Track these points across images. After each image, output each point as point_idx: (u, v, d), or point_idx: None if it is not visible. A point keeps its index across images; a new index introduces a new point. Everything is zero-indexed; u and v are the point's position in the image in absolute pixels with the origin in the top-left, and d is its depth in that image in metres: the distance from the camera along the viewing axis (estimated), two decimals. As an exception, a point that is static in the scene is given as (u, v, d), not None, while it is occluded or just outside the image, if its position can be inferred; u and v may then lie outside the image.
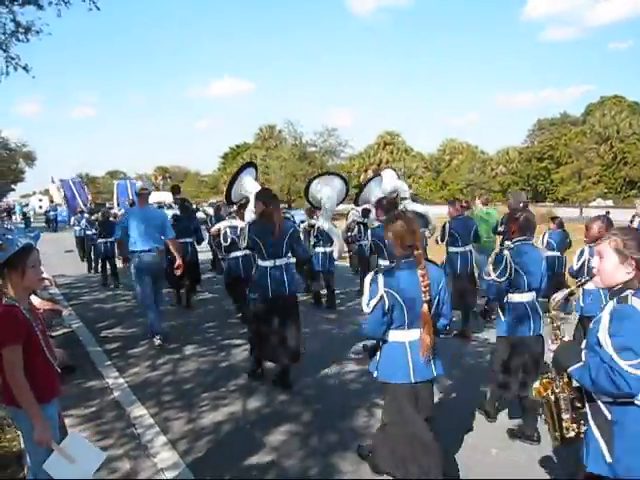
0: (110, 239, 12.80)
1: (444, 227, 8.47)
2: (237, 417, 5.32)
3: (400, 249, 3.69)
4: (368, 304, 3.66)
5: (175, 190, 11.15)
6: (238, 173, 6.94)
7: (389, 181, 8.50)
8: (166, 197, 31.96)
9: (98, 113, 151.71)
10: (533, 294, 4.80)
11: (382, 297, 3.61)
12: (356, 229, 10.95)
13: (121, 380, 6.36)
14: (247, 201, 6.99)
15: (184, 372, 6.64)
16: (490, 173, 69.28)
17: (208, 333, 8.49)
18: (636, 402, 2.54)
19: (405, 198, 8.07)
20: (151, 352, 7.48)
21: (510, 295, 4.77)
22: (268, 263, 5.82)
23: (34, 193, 39.62)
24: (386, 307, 3.61)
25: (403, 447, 3.73)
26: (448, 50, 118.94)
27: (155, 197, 29.32)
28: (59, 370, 3.18)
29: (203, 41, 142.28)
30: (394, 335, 3.73)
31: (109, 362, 7.08)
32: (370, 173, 74.03)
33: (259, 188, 6.39)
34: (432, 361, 3.73)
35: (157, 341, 7.75)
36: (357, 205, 9.81)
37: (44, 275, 10.61)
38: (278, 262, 5.84)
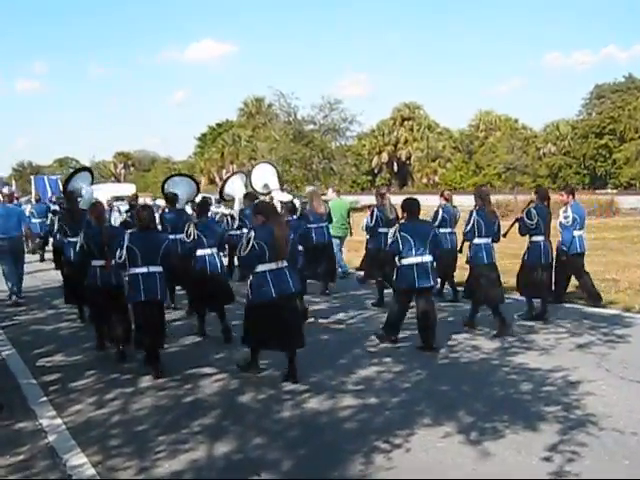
0: None
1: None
2: (200, 465, 5.35)
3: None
4: (244, 250, 7.40)
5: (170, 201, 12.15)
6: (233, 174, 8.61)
7: (259, 178, 12.41)
8: (127, 189, 32.03)
9: (47, 87, 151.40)
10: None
11: (254, 245, 7.30)
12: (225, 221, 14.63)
13: (58, 421, 6.39)
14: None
15: (137, 410, 6.66)
16: (535, 153, 69.12)
17: (170, 360, 8.46)
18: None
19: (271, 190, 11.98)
20: (98, 385, 7.52)
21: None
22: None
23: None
24: (257, 251, 7.31)
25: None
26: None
27: (113, 190, 29.37)
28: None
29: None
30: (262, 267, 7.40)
31: (45, 398, 7.10)
32: (385, 156, 74.34)
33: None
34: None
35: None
36: (222, 199, 14.01)
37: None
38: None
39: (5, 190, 15.40)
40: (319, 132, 46.55)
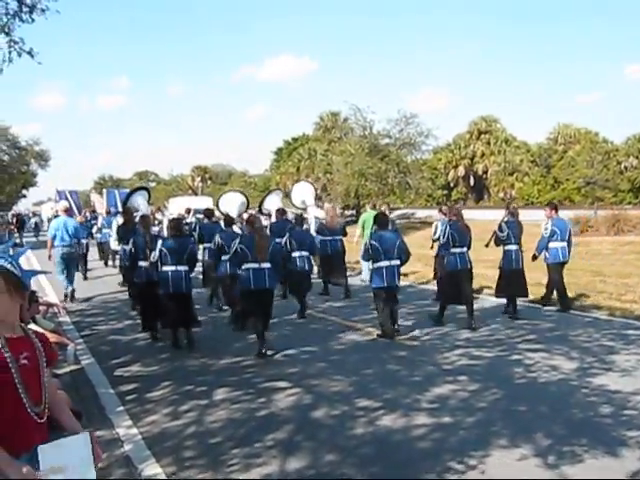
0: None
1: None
2: (273, 481, 5.34)
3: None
4: (231, 252, 9.94)
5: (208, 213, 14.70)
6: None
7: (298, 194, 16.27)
8: (205, 202, 32.55)
9: (128, 103, 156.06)
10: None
11: (237, 249, 9.73)
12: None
13: (134, 430, 6.49)
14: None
15: (212, 422, 6.71)
16: (616, 167, 67.20)
17: (245, 373, 8.57)
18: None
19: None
20: (173, 397, 7.61)
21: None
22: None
23: (49, 200, 40.96)
24: (240, 253, 9.66)
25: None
26: (559, 10, 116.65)
27: (192, 203, 29.91)
28: (40, 419, 3.23)
29: (255, 13, 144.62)
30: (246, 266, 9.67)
31: (122, 408, 7.24)
32: (461, 170, 73.59)
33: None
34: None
35: None
36: (261, 212, 16.87)
37: (51, 300, 11.00)
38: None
39: (60, 205, 17.07)
40: (395, 146, 46.14)
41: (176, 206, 25.06)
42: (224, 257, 11.55)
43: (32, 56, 11.96)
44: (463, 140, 74.80)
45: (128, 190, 21.05)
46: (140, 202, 14.55)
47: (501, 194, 71.19)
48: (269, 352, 9.65)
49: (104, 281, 18.73)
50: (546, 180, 70.99)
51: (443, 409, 6.93)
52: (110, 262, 22.73)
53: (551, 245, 12.82)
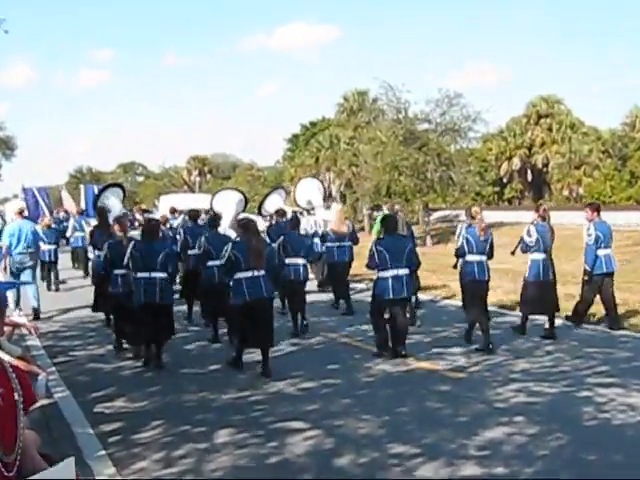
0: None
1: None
2: None
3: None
4: (222, 259, 10.74)
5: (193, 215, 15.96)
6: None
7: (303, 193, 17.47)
8: (203, 201, 32.09)
9: (112, 80, 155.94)
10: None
11: (229, 256, 10.44)
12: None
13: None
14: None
15: (212, 471, 6.73)
16: None
17: (252, 411, 8.60)
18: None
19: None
20: (166, 439, 7.63)
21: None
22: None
23: (14, 197, 40.80)
24: (233, 261, 10.41)
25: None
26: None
27: (187, 202, 29.80)
28: (8, 472, 3.23)
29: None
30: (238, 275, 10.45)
31: (103, 452, 7.26)
32: (516, 162, 73.32)
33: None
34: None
35: None
36: (260, 214, 18.44)
37: (18, 319, 11.11)
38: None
39: (14, 205, 18.81)
40: (435, 133, 45.78)
41: (168, 205, 25.07)
42: (210, 263, 12.56)
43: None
44: (519, 125, 74.48)
45: (99, 187, 21.73)
46: (113, 202, 15.80)
47: (565, 192, 70.83)
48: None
49: (80, 294, 18.81)
50: (621, 175, 70.43)
51: (495, 457, 6.90)
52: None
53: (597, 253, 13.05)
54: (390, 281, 11.05)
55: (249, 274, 10.40)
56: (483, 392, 9.20)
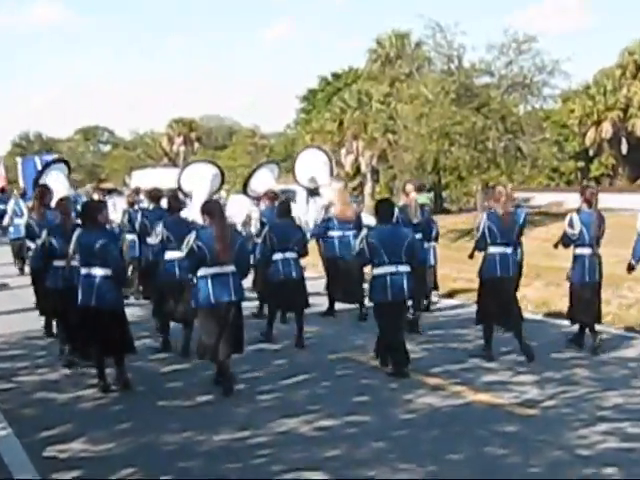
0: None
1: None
2: None
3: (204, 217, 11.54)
4: (184, 251, 11.34)
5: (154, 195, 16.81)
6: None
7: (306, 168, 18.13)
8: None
9: (70, 16, 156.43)
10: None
11: (192, 248, 11.08)
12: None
13: None
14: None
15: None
16: None
17: (253, 457, 8.58)
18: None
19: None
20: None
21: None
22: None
23: None
24: (197, 253, 11.05)
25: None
26: None
27: (169, 178, 29.62)
28: None
29: None
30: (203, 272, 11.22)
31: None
32: (607, 128, 72.92)
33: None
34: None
35: None
36: (246, 194, 18.81)
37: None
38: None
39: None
40: (498, 89, 45.75)
41: (143, 182, 24.91)
42: (170, 254, 13.52)
43: None
44: (611, 80, 74.12)
45: (53, 156, 22.43)
46: (56, 180, 17.52)
47: (673, 169, 70.45)
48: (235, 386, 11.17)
49: (27, 301, 18.76)
50: None
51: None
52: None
53: None
54: (388, 280, 12.09)
55: (216, 270, 11.14)
56: (561, 434, 9.17)
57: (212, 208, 11.59)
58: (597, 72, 75.35)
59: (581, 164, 72.34)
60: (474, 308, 13.71)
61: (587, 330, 13.43)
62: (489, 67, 45.75)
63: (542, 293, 17.87)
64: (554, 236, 15.12)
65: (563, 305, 14.93)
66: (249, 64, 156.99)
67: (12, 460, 8.54)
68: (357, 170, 63.38)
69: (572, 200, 40.16)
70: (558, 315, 15.83)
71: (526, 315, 15.00)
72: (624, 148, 73.30)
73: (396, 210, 13.90)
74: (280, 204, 15.60)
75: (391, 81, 61.90)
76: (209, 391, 11.22)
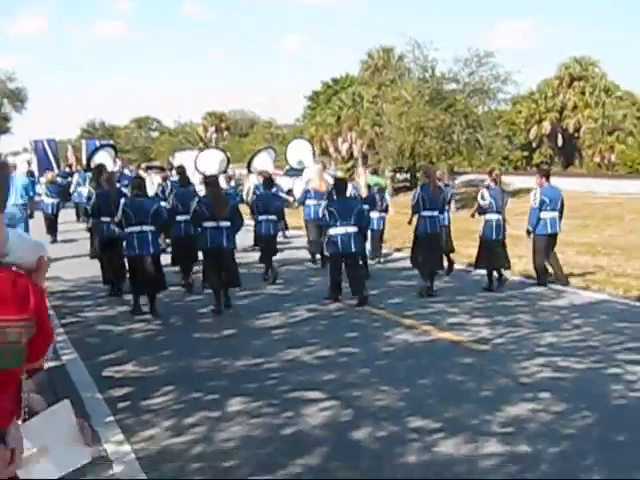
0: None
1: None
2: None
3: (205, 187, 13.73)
4: (191, 210, 12.75)
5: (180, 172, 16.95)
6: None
7: (294, 153, 20.25)
8: (217, 157, 31.51)
9: (129, 30, 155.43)
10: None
11: (195, 208, 12.50)
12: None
13: (127, 447, 6.50)
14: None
15: (224, 440, 6.70)
16: None
17: (267, 379, 8.57)
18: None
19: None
20: (177, 406, 7.61)
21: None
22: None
23: (24, 150, 40.82)
24: (199, 211, 12.45)
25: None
26: None
27: (202, 158, 29.58)
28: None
29: None
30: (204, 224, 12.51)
31: (112, 418, 7.26)
32: (546, 126, 72.67)
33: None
34: None
35: None
36: (249, 172, 21.24)
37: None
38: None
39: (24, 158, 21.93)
40: (463, 93, 45.37)
41: (184, 162, 25.08)
42: (179, 217, 14.57)
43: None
44: (550, 88, 73.72)
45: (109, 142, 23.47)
46: (103, 158, 19.15)
47: (597, 159, 70.27)
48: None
49: (85, 248, 18.82)
50: (658, 142, 69.82)
51: (519, 434, 6.82)
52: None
53: (540, 215, 14.69)
54: (339, 237, 13.08)
55: (213, 224, 12.33)
56: (508, 366, 9.11)
57: (211, 181, 13.23)
58: (540, 81, 75.07)
59: (526, 153, 72.18)
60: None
61: (495, 274, 14.40)
62: (455, 76, 45.68)
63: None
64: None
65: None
66: (269, 69, 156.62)
67: (78, 378, 8.56)
68: (351, 155, 63.03)
69: (518, 181, 40.36)
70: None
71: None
72: (559, 142, 73.23)
73: (350, 186, 15.75)
74: (264, 180, 17.38)
75: (379, 86, 61.47)
76: (232, 326, 11.23)
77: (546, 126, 72.43)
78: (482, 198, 14.64)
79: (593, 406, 7.62)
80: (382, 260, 18.78)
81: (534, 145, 73.88)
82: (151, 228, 12.28)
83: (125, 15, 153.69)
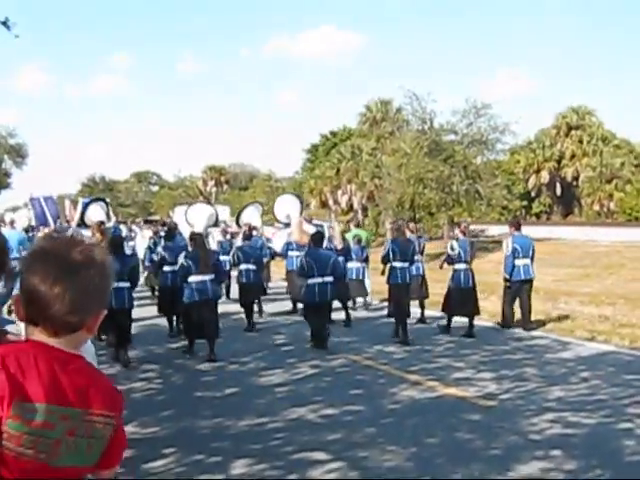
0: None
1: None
2: None
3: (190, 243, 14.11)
4: (178, 265, 13.63)
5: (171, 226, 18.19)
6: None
7: (282, 208, 20.99)
8: (221, 213, 32.13)
9: (127, 85, 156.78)
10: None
11: (182, 264, 13.30)
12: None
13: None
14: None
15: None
16: None
17: (271, 439, 8.41)
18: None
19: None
20: (178, 469, 7.46)
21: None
22: None
23: (26, 205, 40.86)
24: (186, 267, 13.19)
25: None
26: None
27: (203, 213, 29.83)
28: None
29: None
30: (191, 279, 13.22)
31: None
32: (545, 175, 72.99)
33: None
34: None
35: None
36: (238, 226, 21.95)
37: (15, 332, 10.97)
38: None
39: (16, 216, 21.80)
40: (461, 144, 45.59)
41: (177, 216, 25.64)
42: (166, 268, 15.60)
43: (8, 27, 12.00)
44: (548, 137, 74.31)
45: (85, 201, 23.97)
46: (97, 215, 19.25)
47: (596, 207, 70.45)
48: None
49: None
50: (655, 189, 70.08)
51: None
52: None
53: (515, 263, 15.81)
54: (316, 288, 13.99)
55: (199, 278, 13.11)
56: (516, 422, 8.95)
57: (196, 239, 13.89)
58: (537, 131, 75.63)
59: (525, 203, 72.43)
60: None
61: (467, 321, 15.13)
62: (454, 127, 45.96)
63: (496, 306, 17.61)
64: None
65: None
66: (267, 120, 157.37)
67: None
68: (350, 207, 63.38)
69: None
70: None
71: (483, 323, 15.48)
72: (558, 191, 73.54)
73: (325, 239, 16.32)
74: (244, 233, 18.34)
75: (377, 138, 62.04)
76: (234, 384, 11.10)
77: (545, 175, 72.87)
78: (451, 249, 15.62)
79: (605, 463, 7.48)
80: (369, 307, 19.81)
81: (533, 194, 74.25)
82: (126, 284, 12.55)
83: (123, 70, 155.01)
